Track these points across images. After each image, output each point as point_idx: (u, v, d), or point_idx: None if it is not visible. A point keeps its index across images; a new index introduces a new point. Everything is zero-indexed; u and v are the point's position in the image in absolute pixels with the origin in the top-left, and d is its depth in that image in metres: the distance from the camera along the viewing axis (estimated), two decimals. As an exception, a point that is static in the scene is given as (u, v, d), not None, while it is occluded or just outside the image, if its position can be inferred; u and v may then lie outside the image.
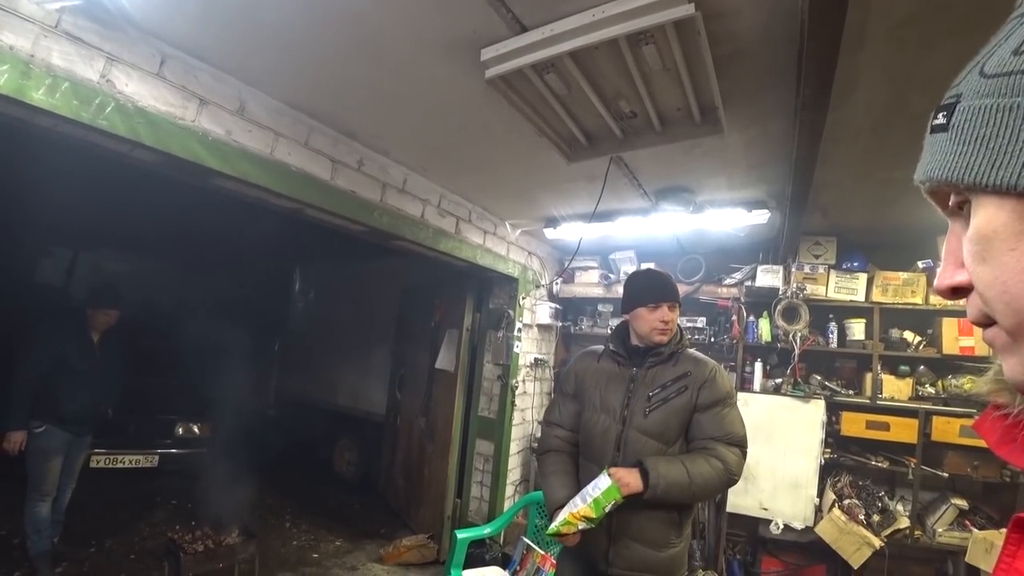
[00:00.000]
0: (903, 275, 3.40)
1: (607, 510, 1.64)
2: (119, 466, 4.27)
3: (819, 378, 3.51)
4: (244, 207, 4.11)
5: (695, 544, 3.70)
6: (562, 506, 1.75)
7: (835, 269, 3.51)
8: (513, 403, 3.97)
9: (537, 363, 4.36)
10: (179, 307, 7.49)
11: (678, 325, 1.92)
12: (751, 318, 3.66)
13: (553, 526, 1.69)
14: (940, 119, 0.42)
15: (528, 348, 4.22)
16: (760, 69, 1.81)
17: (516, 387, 3.98)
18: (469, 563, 3.10)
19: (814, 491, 3.36)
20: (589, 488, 1.68)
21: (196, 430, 4.82)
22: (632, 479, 1.65)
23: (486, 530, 2.99)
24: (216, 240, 6.01)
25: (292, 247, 6.12)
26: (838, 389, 3.49)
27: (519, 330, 3.94)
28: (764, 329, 3.58)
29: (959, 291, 0.44)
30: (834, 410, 3.45)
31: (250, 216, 4.62)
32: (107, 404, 3.49)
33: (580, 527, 1.66)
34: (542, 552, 2.95)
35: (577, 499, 1.69)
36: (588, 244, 3.93)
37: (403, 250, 3.10)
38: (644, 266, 3.91)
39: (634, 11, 1.47)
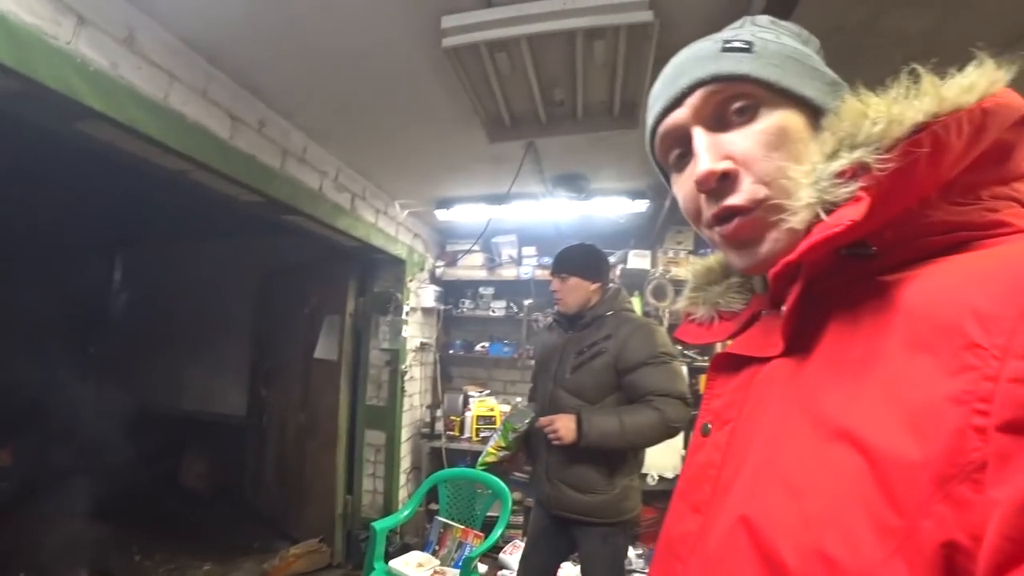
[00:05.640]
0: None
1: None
2: None
3: (681, 348, 4.07)
4: (48, 171, 3.05)
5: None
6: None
7: (692, 254, 4.08)
8: (403, 389, 3.88)
9: (423, 347, 4.31)
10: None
11: (609, 290, 2.14)
12: (625, 297, 4.08)
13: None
14: (740, 45, 0.55)
15: (414, 332, 4.15)
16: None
17: (406, 372, 3.90)
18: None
19: (680, 443, 3.90)
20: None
21: (-10, 458, 3.83)
22: (563, 424, 1.87)
23: (404, 513, 2.93)
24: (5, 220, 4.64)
25: (112, 227, 5.03)
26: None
27: (407, 313, 3.86)
28: (636, 306, 4.02)
29: (726, 176, 0.53)
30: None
31: (57, 184, 3.58)
32: None
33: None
34: (462, 527, 2.98)
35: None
36: (471, 227, 4.02)
37: (294, 226, 2.83)
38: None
39: (600, 7, 1.56)
